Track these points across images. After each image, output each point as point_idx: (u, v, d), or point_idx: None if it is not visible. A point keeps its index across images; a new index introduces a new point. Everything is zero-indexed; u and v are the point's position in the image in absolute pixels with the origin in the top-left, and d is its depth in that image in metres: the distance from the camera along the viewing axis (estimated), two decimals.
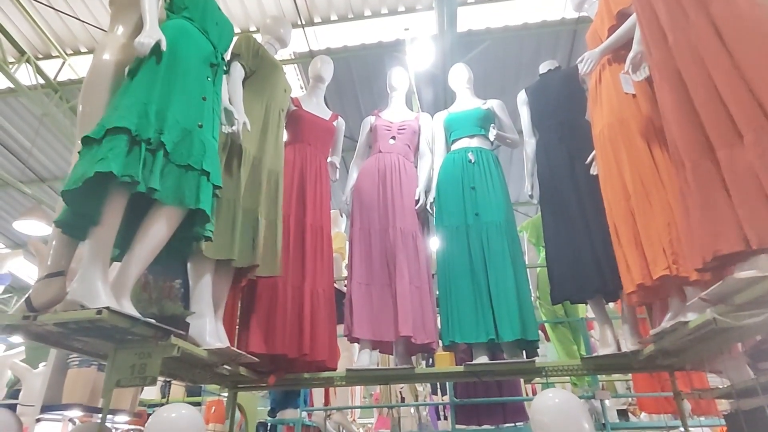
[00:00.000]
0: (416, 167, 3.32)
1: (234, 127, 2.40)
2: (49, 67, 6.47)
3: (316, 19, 6.06)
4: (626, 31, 2.42)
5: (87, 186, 1.67)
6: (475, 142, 3.17)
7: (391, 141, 3.27)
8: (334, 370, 2.83)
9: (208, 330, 2.19)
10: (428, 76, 6.17)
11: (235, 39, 2.66)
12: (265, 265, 2.53)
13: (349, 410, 5.19)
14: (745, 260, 1.60)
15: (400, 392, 5.84)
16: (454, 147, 3.21)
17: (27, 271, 10.36)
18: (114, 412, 3.60)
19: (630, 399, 5.02)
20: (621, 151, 2.31)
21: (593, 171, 2.63)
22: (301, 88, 6.64)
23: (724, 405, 3.69)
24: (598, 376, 4.10)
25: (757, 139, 1.53)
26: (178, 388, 5.42)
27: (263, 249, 2.52)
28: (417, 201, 3.10)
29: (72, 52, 6.44)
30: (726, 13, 1.69)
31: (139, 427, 4.45)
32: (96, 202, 1.75)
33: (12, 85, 6.15)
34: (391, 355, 3.00)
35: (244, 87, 2.67)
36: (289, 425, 4.33)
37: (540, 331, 3.99)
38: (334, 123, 3.33)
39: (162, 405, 2.27)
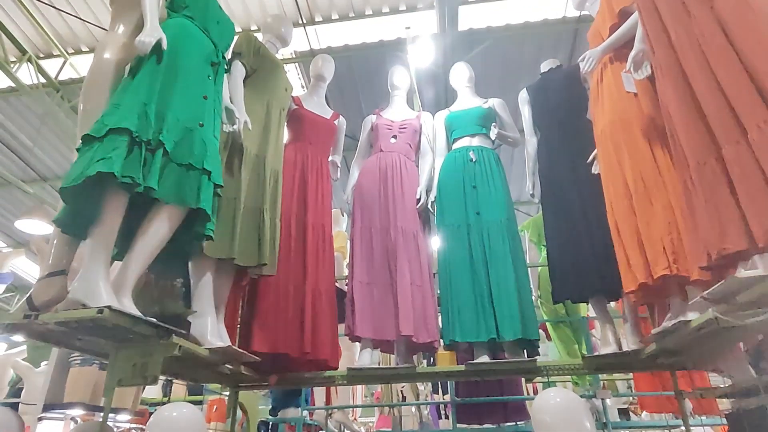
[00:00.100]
0: (417, 166, 3.31)
1: (235, 126, 2.39)
2: (51, 66, 6.48)
3: (317, 18, 6.06)
4: (628, 30, 2.41)
5: (86, 184, 1.67)
6: (476, 141, 3.17)
7: (393, 140, 3.26)
8: (336, 369, 2.83)
9: (210, 329, 2.19)
10: (429, 74, 6.17)
11: (236, 38, 2.66)
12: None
13: (351, 409, 5.19)
14: (747, 259, 1.60)
15: (401, 391, 5.85)
16: (456, 146, 3.21)
17: (29, 270, 10.39)
18: (116, 410, 3.61)
19: (631, 398, 5.02)
20: (622, 150, 2.30)
21: (595, 170, 2.62)
22: (302, 87, 6.64)
23: (725, 404, 3.68)
24: (599, 375, 4.10)
25: (762, 134, 1.52)
26: (179, 387, 5.43)
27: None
28: (418, 200, 3.10)
29: (73, 51, 6.45)
30: (730, 8, 1.68)
31: (140, 426, 4.46)
32: (94, 200, 1.76)
33: (13, 84, 6.15)
34: (393, 354, 3.00)
35: (245, 86, 2.67)
36: (291, 424, 4.33)
37: (541, 331, 3.99)
38: (336, 122, 3.33)
39: (164, 404, 2.28)
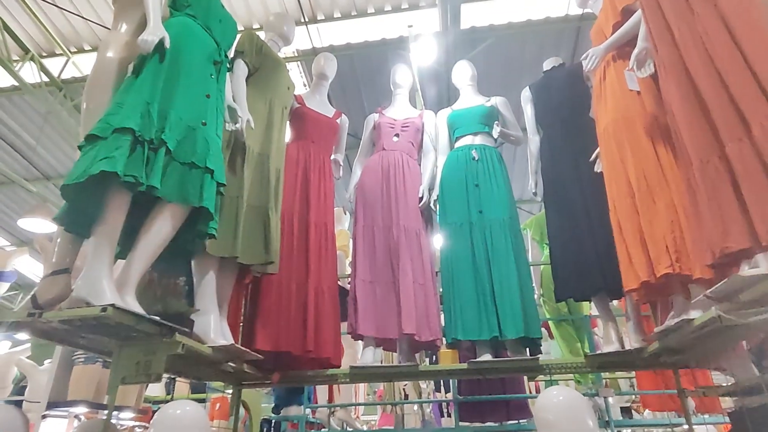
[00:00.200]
0: (420, 165, 3.31)
1: (238, 125, 2.40)
2: (53, 65, 6.49)
3: (320, 17, 6.05)
4: (631, 28, 2.40)
5: (89, 182, 1.67)
6: (478, 140, 3.16)
7: (395, 138, 3.26)
8: (339, 367, 2.83)
9: (213, 327, 2.19)
10: (432, 73, 6.16)
11: (238, 36, 2.66)
12: (257, 259, 2.51)
13: (353, 407, 5.20)
14: (750, 257, 1.60)
15: (404, 389, 5.85)
16: (458, 144, 3.21)
17: (32, 268, 10.41)
18: (119, 408, 3.61)
19: (633, 397, 5.02)
20: (625, 148, 2.30)
21: (597, 168, 2.62)
22: (305, 85, 6.64)
23: (727, 403, 3.68)
24: (602, 373, 4.09)
25: (765, 131, 1.52)
26: (182, 385, 5.45)
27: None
28: (421, 198, 3.10)
29: (76, 50, 6.46)
30: (734, 5, 1.68)
31: (143, 424, 4.48)
32: (96, 199, 1.76)
33: (16, 83, 6.17)
34: (395, 352, 3.00)
35: (247, 84, 2.67)
36: (294, 422, 4.35)
37: (543, 329, 3.99)
38: (338, 120, 3.33)
39: (167, 402, 2.29)
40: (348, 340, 3.55)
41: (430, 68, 6.00)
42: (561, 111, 2.99)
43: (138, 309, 1.75)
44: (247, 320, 2.74)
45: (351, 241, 3.83)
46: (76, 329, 1.80)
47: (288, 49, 4.53)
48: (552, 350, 4.61)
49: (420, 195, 3.11)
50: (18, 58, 6.19)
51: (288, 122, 3.09)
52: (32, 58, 6.17)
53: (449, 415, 5.82)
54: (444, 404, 5.95)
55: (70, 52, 6.38)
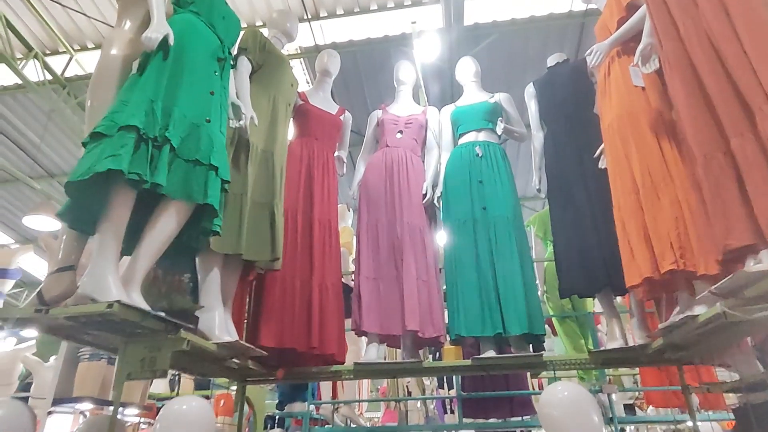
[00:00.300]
0: (423, 161, 3.31)
1: (241, 122, 2.40)
2: (57, 62, 6.50)
3: (322, 14, 6.04)
4: (636, 23, 2.39)
5: (93, 180, 1.68)
6: (482, 136, 3.16)
7: (398, 135, 3.26)
8: (343, 363, 2.84)
9: (217, 324, 2.20)
10: (435, 69, 6.15)
11: (241, 33, 2.66)
12: (263, 256, 2.52)
13: (357, 404, 5.21)
14: (756, 253, 1.59)
15: (407, 386, 5.86)
16: (462, 141, 3.20)
17: (37, 266, 10.46)
18: (124, 405, 3.64)
19: (637, 393, 5.01)
20: (630, 144, 2.29)
21: (602, 164, 2.61)
22: (308, 82, 6.63)
23: (731, 399, 3.67)
24: (606, 370, 4.09)
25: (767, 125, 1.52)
26: (187, 382, 5.48)
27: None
28: (424, 195, 3.10)
29: (79, 48, 6.47)
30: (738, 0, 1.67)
31: (148, 420, 4.50)
32: (99, 196, 1.77)
33: (20, 81, 6.18)
34: (399, 348, 3.01)
35: (251, 81, 2.67)
36: (297, 418, 4.36)
37: (546, 326, 3.99)
38: (341, 117, 3.33)
39: (171, 398, 2.30)
40: (351, 337, 3.56)
41: (433, 65, 5.99)
42: (565, 107, 2.98)
43: (143, 305, 1.76)
44: (251, 317, 2.74)
45: (354, 238, 3.83)
46: (82, 325, 1.81)
47: (291, 46, 4.54)
48: (555, 347, 4.61)
49: (424, 192, 3.11)
50: (22, 56, 6.20)
51: (291, 119, 3.10)
52: (36, 56, 6.18)
53: (452, 412, 5.83)
54: (447, 401, 5.96)
55: (73, 49, 6.39)
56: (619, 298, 3.00)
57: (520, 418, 4.13)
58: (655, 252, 2.08)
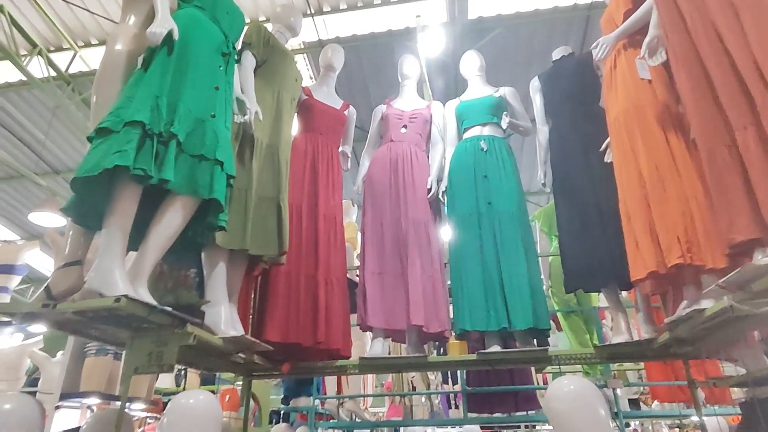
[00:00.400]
0: (428, 156, 3.30)
1: (246, 117, 2.40)
2: (61, 59, 6.52)
3: (326, 8, 6.03)
4: (643, 15, 2.37)
5: (99, 175, 1.68)
6: (487, 131, 3.14)
7: (403, 130, 3.25)
8: (348, 358, 2.85)
9: (223, 318, 2.21)
10: (439, 64, 6.12)
11: (245, 28, 2.66)
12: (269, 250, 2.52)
13: (362, 398, 5.23)
14: (764, 246, 1.58)
15: (411, 381, 5.88)
16: (466, 135, 3.19)
17: (43, 262, 10.54)
18: (130, 399, 3.66)
19: (641, 388, 5.01)
20: (636, 137, 2.27)
21: (607, 158, 2.60)
22: (311, 78, 6.62)
23: (737, 393, 3.66)
24: (610, 365, 4.09)
25: None
26: (192, 377, 5.51)
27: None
28: (429, 190, 3.09)
29: (83, 44, 6.48)
30: None
31: (154, 415, 4.54)
32: (105, 191, 1.77)
33: (25, 78, 6.20)
34: (404, 343, 3.01)
35: (255, 76, 2.67)
36: (303, 413, 4.38)
37: (551, 321, 3.98)
38: (346, 112, 3.32)
39: (177, 393, 2.31)
40: (355, 332, 3.56)
41: (438, 59, 5.96)
42: (570, 101, 2.96)
43: (150, 300, 1.76)
44: (256, 312, 2.75)
45: (359, 233, 3.83)
46: (89, 320, 1.82)
47: (294, 41, 4.51)
48: (559, 342, 4.61)
49: (428, 186, 3.10)
50: (26, 53, 6.22)
51: (296, 114, 3.09)
52: (40, 53, 6.20)
53: (457, 407, 5.85)
54: (452, 396, 5.97)
55: (77, 46, 6.41)
56: (624, 293, 2.99)
57: (524, 413, 4.14)
58: (661, 246, 2.07)
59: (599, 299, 4.16)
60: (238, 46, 2.61)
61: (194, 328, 1.91)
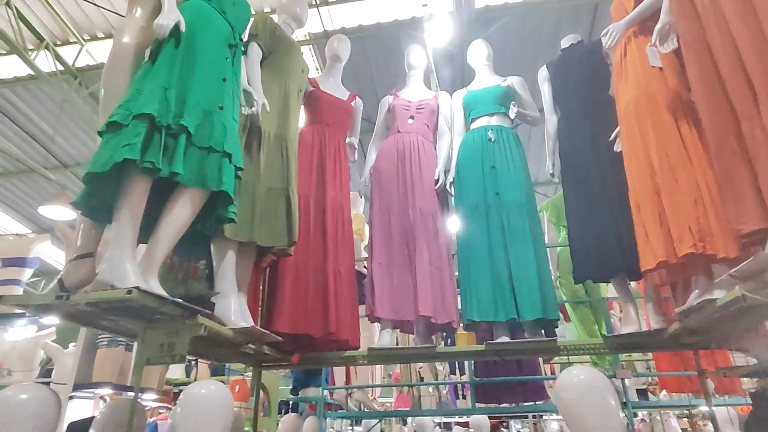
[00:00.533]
0: (435, 147, 3.29)
1: (253, 109, 2.39)
2: (68, 53, 6.54)
3: None
4: (654, 1, 2.33)
5: (110, 169, 1.69)
6: (494, 121, 3.12)
7: (410, 121, 3.24)
8: (357, 349, 2.86)
9: (233, 309, 2.22)
10: (446, 53, 6.07)
11: (251, 19, 2.65)
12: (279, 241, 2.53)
13: (370, 389, 5.27)
14: None
15: (419, 371, 5.91)
16: (474, 125, 3.17)
17: (54, 255, 10.65)
18: (142, 390, 3.71)
19: (649, 378, 5.00)
20: (647, 126, 2.25)
21: (617, 148, 2.57)
22: (317, 69, 6.60)
23: (747, 383, 3.65)
24: (620, 355, 4.08)
25: None
26: (203, 368, 5.57)
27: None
28: (436, 181, 3.08)
29: (89, 38, 6.49)
30: None
31: (165, 405, 4.60)
32: (113, 185, 1.78)
33: (32, 72, 6.23)
34: (412, 334, 3.03)
35: (261, 68, 2.66)
36: (312, 403, 4.42)
37: (559, 312, 3.98)
38: (352, 103, 3.31)
39: (187, 384, 2.34)
40: (364, 324, 3.57)
41: (444, 49, 5.91)
42: (579, 90, 2.93)
43: (161, 292, 1.78)
44: (265, 303, 2.77)
45: (366, 224, 3.82)
46: (102, 311, 1.84)
47: (299, 32, 4.49)
48: (567, 333, 4.60)
49: (436, 177, 3.09)
50: (33, 47, 6.24)
51: (302, 106, 3.08)
52: (47, 47, 6.22)
53: (464, 397, 5.87)
54: (459, 386, 6.00)
55: (83, 39, 6.41)
56: (633, 284, 2.97)
57: (533, 403, 4.15)
58: (672, 236, 2.05)
59: (608, 290, 4.14)
60: (245, 38, 2.60)
61: (205, 319, 1.93)
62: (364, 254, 4.30)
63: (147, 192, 1.83)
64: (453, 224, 3.20)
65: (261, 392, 4.10)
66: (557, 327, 2.79)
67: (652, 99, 2.26)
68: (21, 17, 5.83)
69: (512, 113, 3.05)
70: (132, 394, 1.86)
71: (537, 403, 4.15)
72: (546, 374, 4.71)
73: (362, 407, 4.95)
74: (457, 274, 3.03)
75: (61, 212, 6.30)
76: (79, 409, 3.87)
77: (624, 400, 3.42)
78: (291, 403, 5.30)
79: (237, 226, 2.26)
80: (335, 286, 2.77)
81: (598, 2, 5.94)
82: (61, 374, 4.22)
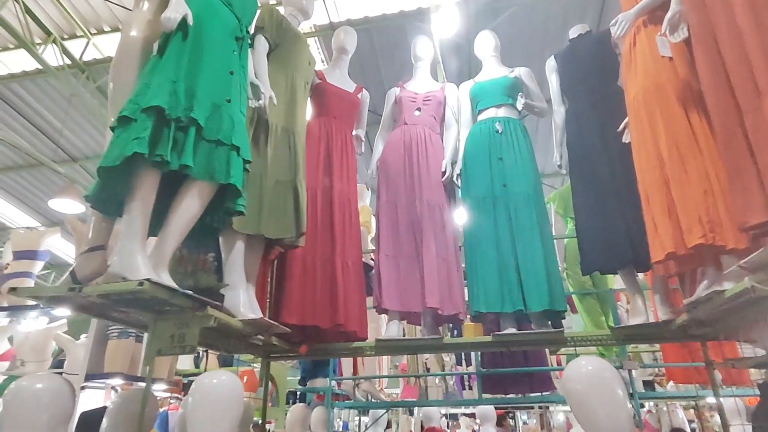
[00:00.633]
0: (442, 138, 3.28)
1: (261, 101, 2.40)
2: (75, 47, 6.56)
3: None
4: None
5: (122, 164, 1.71)
6: (502, 112, 3.11)
7: (417, 112, 3.23)
8: (365, 340, 2.88)
9: (242, 301, 2.25)
10: (453, 45, 6.03)
11: (258, 12, 2.64)
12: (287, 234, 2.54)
13: (377, 379, 5.31)
14: None
15: (426, 362, 5.94)
16: (481, 117, 3.16)
17: (64, 248, 10.76)
18: (152, 380, 3.75)
19: (656, 369, 5.00)
20: (656, 116, 2.23)
21: (626, 138, 2.56)
22: (323, 61, 6.58)
23: (754, 374, 3.64)
24: (627, 347, 4.08)
25: None
26: (212, 359, 5.62)
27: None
28: (443, 173, 3.08)
29: (96, 32, 6.50)
30: None
31: (175, 395, 4.65)
32: (125, 178, 1.79)
33: (40, 66, 6.26)
34: (419, 326, 3.04)
35: (268, 60, 2.66)
36: (320, 393, 4.47)
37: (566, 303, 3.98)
38: (359, 95, 3.31)
39: (197, 375, 2.37)
40: (371, 315, 3.60)
41: (451, 40, 5.87)
42: (588, 80, 2.90)
43: (172, 284, 1.80)
44: (274, 295, 2.79)
45: (373, 217, 3.83)
46: (113, 303, 1.86)
47: (305, 24, 4.48)
48: (574, 325, 4.60)
49: (443, 169, 3.09)
50: (40, 41, 6.27)
51: (309, 98, 3.08)
52: (54, 41, 6.24)
53: (471, 388, 5.90)
54: (466, 377, 6.02)
55: (90, 33, 6.43)
56: (641, 275, 2.97)
57: (539, 394, 4.17)
58: (681, 226, 2.04)
59: (615, 281, 4.14)
60: (251, 30, 2.59)
61: (214, 311, 1.95)
62: (371, 246, 4.32)
63: (156, 185, 1.84)
64: (460, 216, 3.20)
65: (269, 383, 4.15)
66: (564, 318, 2.80)
67: (662, 89, 2.23)
68: (28, 11, 5.85)
69: (520, 104, 3.04)
70: (143, 384, 1.89)
71: (543, 394, 4.16)
72: (552, 365, 4.72)
73: (369, 397, 4.99)
74: (464, 265, 3.04)
75: (70, 205, 6.35)
76: (91, 398, 3.93)
77: (631, 391, 3.43)
78: (299, 393, 5.35)
79: (245, 219, 2.27)
80: (343, 278, 2.78)
81: None
82: (72, 365, 4.28)
